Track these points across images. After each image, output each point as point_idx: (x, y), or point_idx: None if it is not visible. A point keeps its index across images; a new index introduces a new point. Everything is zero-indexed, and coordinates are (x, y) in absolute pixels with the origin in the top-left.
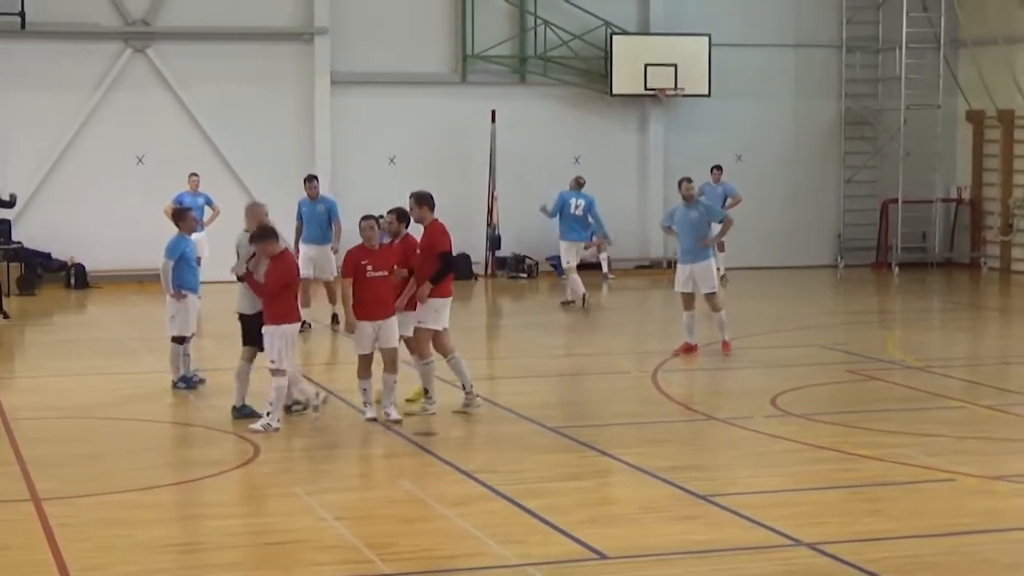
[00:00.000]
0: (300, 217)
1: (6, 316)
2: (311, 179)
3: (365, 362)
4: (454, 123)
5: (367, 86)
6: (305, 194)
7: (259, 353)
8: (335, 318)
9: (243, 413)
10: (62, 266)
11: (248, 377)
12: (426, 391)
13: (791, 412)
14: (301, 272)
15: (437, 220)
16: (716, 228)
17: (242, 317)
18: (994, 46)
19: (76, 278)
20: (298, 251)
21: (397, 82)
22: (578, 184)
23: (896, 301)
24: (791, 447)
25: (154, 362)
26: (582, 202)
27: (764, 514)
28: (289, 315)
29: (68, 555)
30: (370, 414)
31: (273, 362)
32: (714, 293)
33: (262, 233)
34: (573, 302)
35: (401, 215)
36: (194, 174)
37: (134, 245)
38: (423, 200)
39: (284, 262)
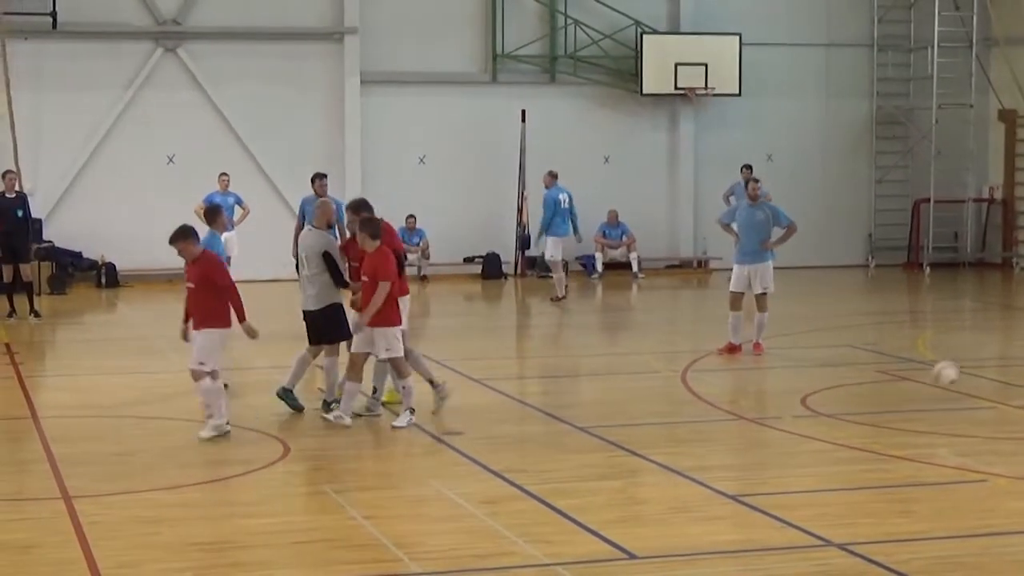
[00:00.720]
0: (303, 215)
1: (37, 315)
2: (321, 176)
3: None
4: (484, 123)
5: (397, 85)
6: (312, 191)
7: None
8: None
9: (287, 398)
10: (92, 265)
11: (306, 367)
12: (432, 382)
13: (821, 412)
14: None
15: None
16: (777, 231)
17: (307, 314)
18: None
19: (107, 277)
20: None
21: (427, 81)
22: (554, 178)
23: (927, 301)
24: (821, 447)
25: (182, 361)
26: (567, 196)
27: (794, 514)
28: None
29: (98, 553)
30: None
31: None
32: (766, 294)
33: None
34: (564, 297)
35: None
36: (224, 174)
37: (164, 244)
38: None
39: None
